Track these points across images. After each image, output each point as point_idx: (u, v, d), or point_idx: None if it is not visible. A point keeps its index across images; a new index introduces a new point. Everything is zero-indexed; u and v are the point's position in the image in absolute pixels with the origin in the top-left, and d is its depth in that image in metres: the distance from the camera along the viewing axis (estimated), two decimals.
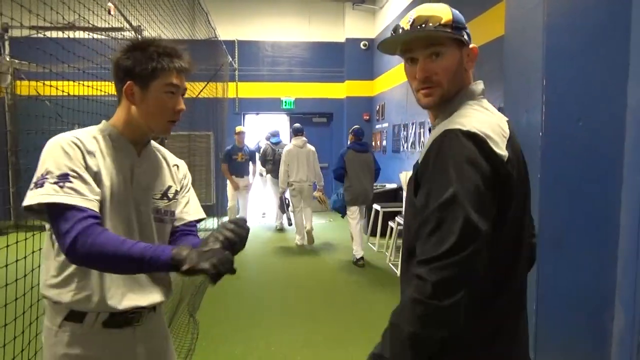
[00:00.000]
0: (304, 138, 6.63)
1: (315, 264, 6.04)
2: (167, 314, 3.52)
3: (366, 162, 5.76)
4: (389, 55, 7.79)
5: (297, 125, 6.98)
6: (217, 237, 1.20)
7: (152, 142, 1.48)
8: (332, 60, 9.95)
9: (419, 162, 1.11)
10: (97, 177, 1.27)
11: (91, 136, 1.32)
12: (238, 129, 7.51)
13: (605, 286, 2.97)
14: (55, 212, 1.19)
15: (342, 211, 5.88)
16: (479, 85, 1.19)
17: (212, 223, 6.29)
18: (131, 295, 1.33)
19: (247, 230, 1.26)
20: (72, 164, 1.23)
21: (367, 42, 9.82)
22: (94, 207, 1.22)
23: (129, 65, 1.31)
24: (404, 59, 1.18)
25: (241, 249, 1.23)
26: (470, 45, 1.16)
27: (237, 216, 1.29)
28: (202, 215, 1.55)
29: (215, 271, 1.14)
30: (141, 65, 1.29)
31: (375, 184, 7.41)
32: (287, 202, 6.88)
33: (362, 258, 5.74)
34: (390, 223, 6.06)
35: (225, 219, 6.80)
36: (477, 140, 1.03)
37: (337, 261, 6.09)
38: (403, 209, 5.90)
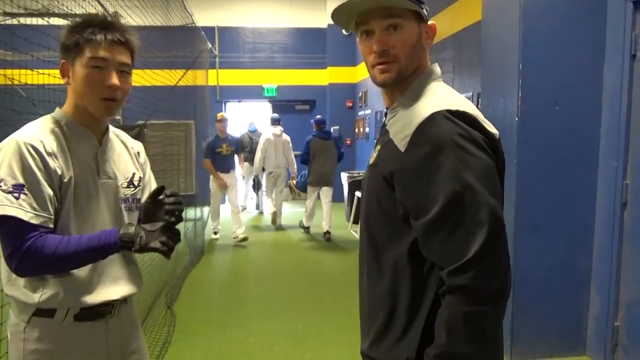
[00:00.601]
0: (281, 127, 7.09)
1: (294, 251, 6.01)
2: (144, 306, 3.46)
3: (329, 148, 6.45)
4: None
5: (274, 115, 7.42)
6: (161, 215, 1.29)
7: (110, 127, 1.41)
8: (314, 46, 9.83)
9: (402, 150, 0.97)
10: (61, 179, 1.22)
11: (49, 131, 1.24)
12: (220, 115, 6.61)
13: (581, 271, 2.99)
14: (5, 224, 1.15)
15: (303, 189, 6.79)
16: (437, 67, 1.12)
17: (193, 214, 6.20)
18: (103, 289, 1.30)
19: (180, 197, 1.32)
20: (29, 174, 1.17)
21: None
22: (47, 223, 1.19)
23: (61, 44, 1.26)
24: (358, 32, 1.08)
25: (181, 219, 1.31)
26: (429, 22, 1.08)
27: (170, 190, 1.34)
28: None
29: (167, 248, 1.23)
30: (68, 41, 1.24)
31: (357, 172, 7.61)
32: (260, 185, 7.60)
33: (308, 228, 6.84)
34: None
35: (206, 211, 6.73)
36: (470, 120, 0.95)
37: (316, 249, 6.07)
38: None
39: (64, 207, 1.23)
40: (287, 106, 9.97)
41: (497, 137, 1.00)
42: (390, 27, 1.03)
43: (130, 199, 1.39)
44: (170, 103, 5.91)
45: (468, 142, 0.92)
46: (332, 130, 9.72)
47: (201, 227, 6.47)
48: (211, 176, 6.30)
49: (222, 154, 6.25)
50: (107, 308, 1.33)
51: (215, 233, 6.57)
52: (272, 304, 4.16)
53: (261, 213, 8.56)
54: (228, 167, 6.35)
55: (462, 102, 0.99)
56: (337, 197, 8.96)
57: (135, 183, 1.41)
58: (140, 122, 4.32)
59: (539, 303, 2.95)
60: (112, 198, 1.34)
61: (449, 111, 0.95)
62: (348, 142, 9.86)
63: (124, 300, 1.38)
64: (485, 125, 0.97)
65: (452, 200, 0.88)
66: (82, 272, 1.26)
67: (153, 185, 1.51)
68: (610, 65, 2.81)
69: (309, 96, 10.06)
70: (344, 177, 7.80)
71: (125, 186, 1.38)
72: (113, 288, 1.33)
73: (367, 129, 8.92)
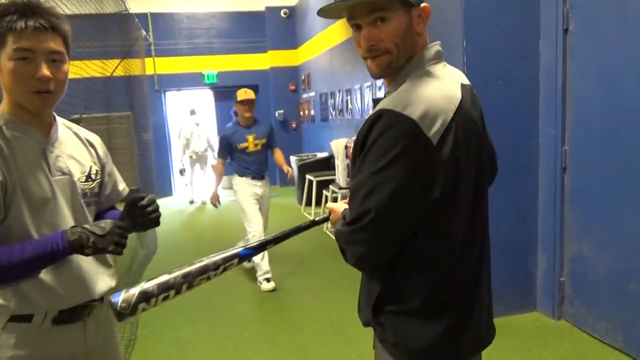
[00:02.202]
0: (199, 117, 8.54)
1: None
2: None
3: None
4: (310, 23, 7.76)
5: (192, 108, 8.59)
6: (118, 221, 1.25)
7: (59, 118, 1.34)
8: (253, 30, 9.67)
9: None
10: (5, 185, 1.15)
11: None
12: (242, 92, 4.13)
13: (528, 234, 3.20)
14: None
15: None
16: (431, 50, 1.11)
17: None
18: (80, 288, 1.27)
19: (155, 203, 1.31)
20: None
21: (287, 10, 9.62)
22: None
23: None
24: (350, 24, 1.11)
25: (153, 224, 1.32)
26: (422, 5, 1.08)
27: (149, 197, 1.32)
28: (126, 188, 1.53)
29: (120, 251, 1.22)
30: None
31: (306, 154, 7.67)
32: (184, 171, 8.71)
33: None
34: (325, 192, 6.11)
35: None
36: (404, 125, 0.98)
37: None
38: (336, 177, 6.00)
39: (13, 213, 1.16)
40: (229, 92, 9.79)
41: (436, 142, 0.99)
42: (377, 20, 1.04)
43: (88, 194, 1.34)
44: (106, 95, 5.65)
45: (392, 146, 0.99)
46: (276, 115, 9.70)
47: None
48: (234, 185, 4.22)
49: (247, 150, 4.15)
50: (85, 309, 1.30)
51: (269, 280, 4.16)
52: (236, 292, 4.15)
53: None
54: (259, 170, 4.18)
55: (420, 100, 1.00)
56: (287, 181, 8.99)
57: (93, 177, 1.36)
58: (75, 116, 4.11)
59: (493, 268, 3.13)
60: (70, 194, 1.27)
61: (392, 112, 1.00)
62: (293, 125, 9.86)
63: (100, 299, 1.35)
64: (423, 130, 0.98)
65: (360, 183, 1.04)
66: (55, 273, 1.21)
67: (118, 181, 1.48)
68: (545, 39, 2.99)
69: (250, 81, 9.87)
70: (293, 160, 7.81)
71: (83, 180, 1.32)
72: (91, 286, 1.30)
73: (312, 112, 8.94)
